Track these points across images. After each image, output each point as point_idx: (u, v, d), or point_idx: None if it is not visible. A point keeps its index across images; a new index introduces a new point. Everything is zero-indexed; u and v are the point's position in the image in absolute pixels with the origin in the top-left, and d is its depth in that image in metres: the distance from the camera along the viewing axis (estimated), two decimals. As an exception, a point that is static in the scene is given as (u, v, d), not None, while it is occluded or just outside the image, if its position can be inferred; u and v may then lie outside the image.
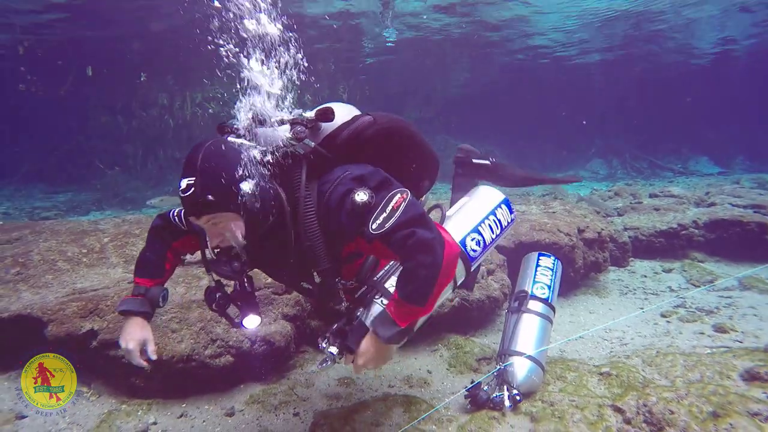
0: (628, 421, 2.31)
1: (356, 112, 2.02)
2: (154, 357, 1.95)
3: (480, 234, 2.21)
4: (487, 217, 2.28)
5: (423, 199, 2.33)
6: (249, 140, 1.76)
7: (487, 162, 2.73)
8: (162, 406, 2.88)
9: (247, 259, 1.77)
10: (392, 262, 2.09)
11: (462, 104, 19.81)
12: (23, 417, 2.73)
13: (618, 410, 2.39)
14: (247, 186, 1.62)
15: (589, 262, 5.12)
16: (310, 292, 2.03)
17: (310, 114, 1.87)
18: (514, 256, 4.52)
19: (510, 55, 17.65)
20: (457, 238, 2.10)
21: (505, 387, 2.62)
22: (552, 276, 3.08)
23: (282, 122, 1.80)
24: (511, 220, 2.43)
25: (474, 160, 2.74)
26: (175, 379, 2.94)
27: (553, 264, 3.17)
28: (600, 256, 5.21)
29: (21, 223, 5.31)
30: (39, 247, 3.97)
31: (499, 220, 2.34)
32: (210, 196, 1.57)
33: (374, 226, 1.66)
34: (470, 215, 2.28)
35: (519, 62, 18.50)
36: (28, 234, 4.54)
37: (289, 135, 1.78)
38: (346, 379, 3.13)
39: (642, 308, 4.45)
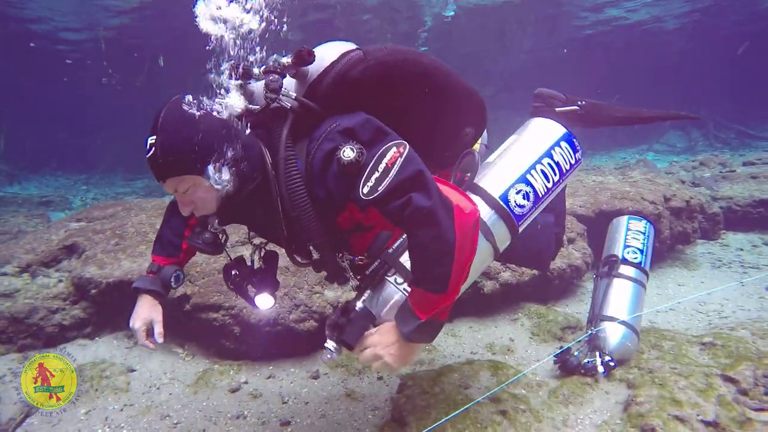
0: (744, 392, 2.13)
1: (349, 47, 1.60)
2: (160, 340, 1.76)
3: (529, 184, 1.76)
4: (539, 161, 1.81)
5: (476, 150, 1.93)
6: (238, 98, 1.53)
7: (575, 108, 2.15)
8: (251, 368, 3.02)
9: (223, 231, 1.57)
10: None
11: (526, 79, 19.04)
12: (133, 370, 2.96)
13: (730, 380, 2.21)
14: (216, 147, 1.39)
15: (676, 233, 4.77)
16: (314, 268, 1.77)
17: (287, 59, 1.53)
18: (594, 225, 4.30)
19: (578, 22, 16.68)
20: (497, 192, 1.71)
21: (597, 353, 2.50)
22: (644, 240, 2.89)
23: (266, 73, 1.50)
24: (576, 162, 1.93)
25: (558, 110, 2.16)
26: (262, 343, 3.06)
27: (645, 228, 2.96)
28: (689, 227, 4.85)
29: (112, 201, 5.72)
30: (132, 221, 4.24)
31: (557, 164, 1.84)
32: (171, 157, 1.36)
33: (365, 190, 1.35)
34: (516, 160, 1.81)
35: (587, 30, 17.44)
36: (120, 210, 4.87)
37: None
38: (428, 345, 3.13)
39: (742, 281, 4.10)
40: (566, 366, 2.53)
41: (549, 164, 1.82)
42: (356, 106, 1.52)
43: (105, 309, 3.47)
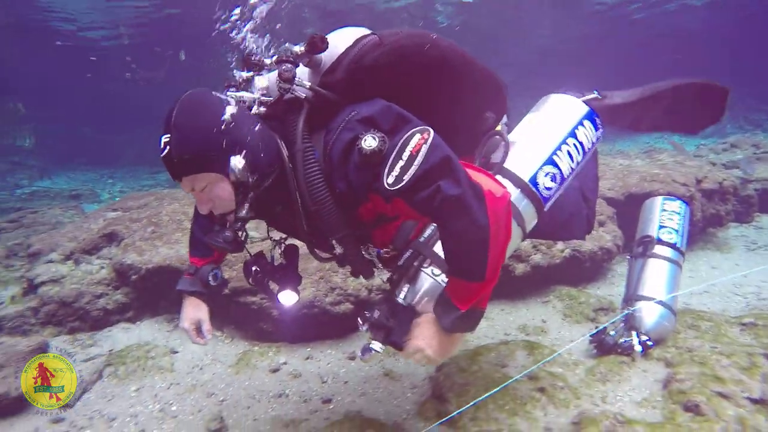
0: (789, 369, 2.12)
1: (363, 33, 1.56)
2: (208, 336, 1.86)
3: (556, 165, 1.72)
4: (564, 141, 1.75)
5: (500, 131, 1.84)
6: (251, 91, 1.50)
7: (594, 95, 2.02)
8: (289, 349, 3.10)
9: (243, 228, 1.53)
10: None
11: (544, 65, 18.70)
12: (176, 352, 3.08)
13: (773, 358, 2.20)
14: (231, 142, 1.36)
15: (708, 215, 4.70)
16: (338, 263, 1.72)
17: (299, 47, 1.48)
18: (623, 208, 4.27)
19: (599, 5, 16.29)
20: (526, 175, 1.68)
21: (634, 333, 2.51)
22: (680, 220, 2.86)
23: (278, 62, 1.45)
24: (597, 139, 1.89)
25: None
26: (299, 325, 3.14)
27: (681, 208, 2.93)
28: (722, 209, 4.77)
29: (145, 192, 5.88)
30: (165, 209, 4.36)
31: (581, 144, 1.79)
32: (186, 155, 1.34)
33: (390, 180, 1.30)
34: (542, 141, 1.76)
35: (608, 12, 17.02)
36: (152, 200, 5.01)
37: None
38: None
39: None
40: (602, 345, 2.55)
41: (574, 144, 1.78)
42: (373, 93, 1.46)
43: (145, 294, 3.60)
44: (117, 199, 9.12)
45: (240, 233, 1.55)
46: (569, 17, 17.18)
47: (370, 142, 1.31)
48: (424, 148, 1.31)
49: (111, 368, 2.89)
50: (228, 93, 1.47)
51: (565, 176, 1.75)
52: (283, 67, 1.41)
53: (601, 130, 1.89)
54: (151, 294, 3.59)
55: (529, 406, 2.15)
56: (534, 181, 1.68)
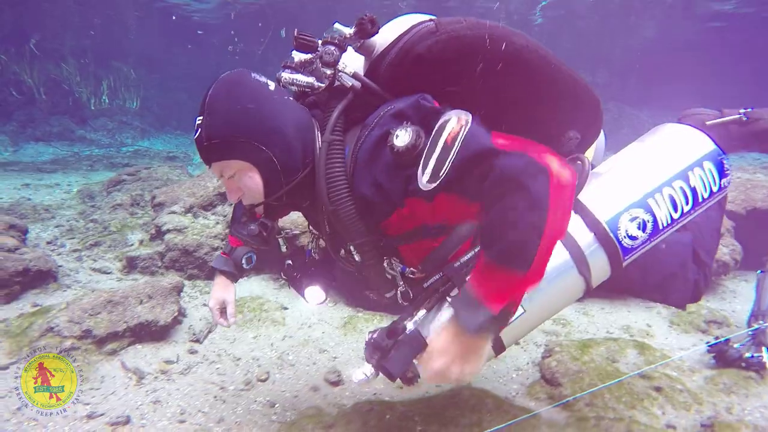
0: None
1: (423, 18, 1.35)
2: (232, 320, 1.80)
3: (649, 211, 1.37)
4: (669, 183, 1.41)
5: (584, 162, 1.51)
6: (307, 74, 1.35)
7: (738, 116, 1.71)
8: (390, 320, 3.23)
9: (271, 222, 1.43)
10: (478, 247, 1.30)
11: (644, 68, 17.57)
12: (286, 308, 3.31)
13: None
14: (265, 130, 1.26)
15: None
16: (358, 273, 1.52)
17: (349, 30, 1.33)
18: (743, 222, 4.01)
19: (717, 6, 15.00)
20: (605, 215, 1.37)
21: (764, 348, 2.40)
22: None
23: (323, 44, 1.33)
24: (720, 189, 1.49)
25: (709, 122, 1.73)
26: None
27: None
28: None
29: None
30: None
31: (693, 189, 1.42)
32: (216, 140, 1.26)
33: (424, 179, 1.13)
34: (637, 177, 1.43)
35: (723, 16, 15.64)
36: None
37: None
38: (562, 319, 3.16)
39: None
40: (724, 357, 2.45)
41: (682, 188, 1.42)
42: (422, 87, 1.28)
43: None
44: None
45: (268, 226, 1.47)
46: (677, 23, 15.83)
47: (402, 137, 1.16)
48: (462, 134, 1.13)
49: (230, 314, 3.16)
50: (282, 74, 1.35)
51: (661, 227, 1.41)
52: (326, 50, 1.29)
53: (729, 177, 1.51)
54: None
55: (646, 402, 2.14)
56: (614, 224, 1.37)
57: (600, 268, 1.38)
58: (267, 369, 2.55)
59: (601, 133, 1.68)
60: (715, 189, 1.48)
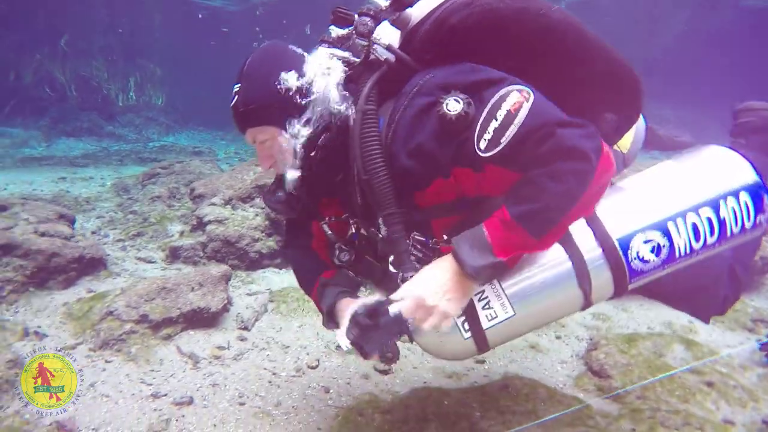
0: None
1: None
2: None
3: (667, 235, 1.28)
4: (695, 209, 1.30)
5: (620, 150, 1.52)
6: (344, 49, 1.37)
7: None
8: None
9: (300, 189, 1.40)
10: None
11: (672, 63, 17.24)
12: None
13: None
14: (299, 98, 1.29)
15: None
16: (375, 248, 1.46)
17: (385, 1, 1.35)
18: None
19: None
20: (617, 232, 1.29)
21: (816, 346, 2.39)
22: None
23: (359, 16, 1.34)
24: (754, 226, 1.36)
25: None
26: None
27: None
28: None
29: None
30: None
31: (722, 221, 1.31)
32: (252, 105, 1.31)
33: (482, 145, 1.13)
34: (660, 197, 1.34)
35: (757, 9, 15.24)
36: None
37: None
38: (602, 314, 3.17)
39: None
40: (776, 354, 2.45)
41: (708, 218, 1.30)
42: (453, 59, 1.28)
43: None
44: (236, 160, 9.90)
45: (295, 195, 1.44)
46: (706, 17, 15.50)
47: (453, 105, 1.15)
48: (527, 106, 1.12)
49: (273, 304, 3.23)
50: (319, 48, 1.38)
51: (677, 255, 1.31)
52: (361, 21, 1.31)
53: (766, 214, 1.36)
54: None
55: (699, 397, 2.15)
56: (626, 243, 1.28)
57: (602, 285, 1.31)
58: (316, 357, 2.61)
59: (641, 118, 1.60)
60: (748, 225, 1.35)
